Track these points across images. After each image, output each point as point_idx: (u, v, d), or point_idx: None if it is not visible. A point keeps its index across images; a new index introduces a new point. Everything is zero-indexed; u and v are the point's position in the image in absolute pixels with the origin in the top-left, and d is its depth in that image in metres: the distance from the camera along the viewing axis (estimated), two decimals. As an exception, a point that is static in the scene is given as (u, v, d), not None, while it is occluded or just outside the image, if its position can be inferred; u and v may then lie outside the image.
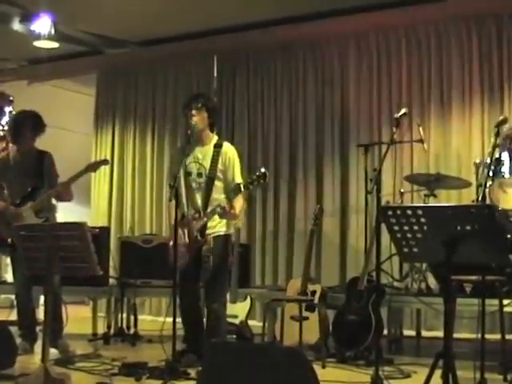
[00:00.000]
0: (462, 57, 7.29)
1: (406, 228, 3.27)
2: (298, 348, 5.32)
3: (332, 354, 5.63)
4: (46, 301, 4.62)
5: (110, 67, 9.36)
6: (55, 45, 8.35)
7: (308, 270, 6.20)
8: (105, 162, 6.23)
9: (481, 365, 4.23)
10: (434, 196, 6.27)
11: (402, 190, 6.51)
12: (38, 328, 5.73)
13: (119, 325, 6.84)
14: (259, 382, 3.33)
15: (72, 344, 5.77)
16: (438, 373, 3.27)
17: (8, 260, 6.43)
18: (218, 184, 5.35)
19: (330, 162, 7.88)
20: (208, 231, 5.28)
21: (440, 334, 6.13)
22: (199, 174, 5.38)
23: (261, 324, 6.12)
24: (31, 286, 5.71)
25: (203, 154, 5.40)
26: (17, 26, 7.67)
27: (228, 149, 5.45)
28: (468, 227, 3.12)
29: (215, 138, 5.48)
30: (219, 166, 5.35)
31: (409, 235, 3.28)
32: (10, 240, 5.50)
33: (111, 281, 7.04)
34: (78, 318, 6.91)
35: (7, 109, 9.33)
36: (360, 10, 7.40)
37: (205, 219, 5.24)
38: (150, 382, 4.72)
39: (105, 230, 7.26)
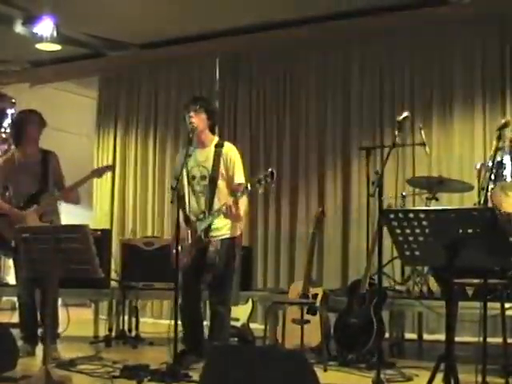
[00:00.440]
0: (464, 60, 7.29)
1: (407, 231, 3.27)
2: (299, 351, 5.32)
3: (333, 357, 5.61)
4: (46, 303, 4.62)
5: (112, 70, 9.37)
6: (57, 47, 8.36)
7: (310, 272, 6.19)
8: (109, 168, 6.24)
9: (483, 368, 4.22)
10: (436, 199, 6.26)
11: (403, 193, 6.50)
12: (40, 330, 5.74)
13: (121, 327, 6.83)
14: (261, 385, 3.34)
15: (73, 346, 5.77)
16: (439, 376, 3.26)
17: (10, 262, 6.43)
18: (221, 184, 5.38)
19: (332, 165, 7.88)
20: (214, 233, 5.30)
21: (442, 337, 6.08)
22: (202, 177, 5.40)
23: (262, 327, 6.12)
24: (34, 288, 5.69)
25: (205, 157, 5.42)
26: (19, 28, 7.68)
27: (229, 149, 5.46)
28: (470, 230, 3.12)
29: (216, 139, 5.50)
30: (221, 166, 5.37)
31: (410, 238, 3.28)
32: (13, 243, 5.50)
33: (113, 283, 7.04)
34: (80, 320, 6.91)
35: (9, 111, 9.36)
36: (362, 13, 7.41)
37: (210, 219, 5.26)
38: (152, 384, 4.72)
39: (107, 233, 7.26)
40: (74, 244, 4.32)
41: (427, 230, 3.22)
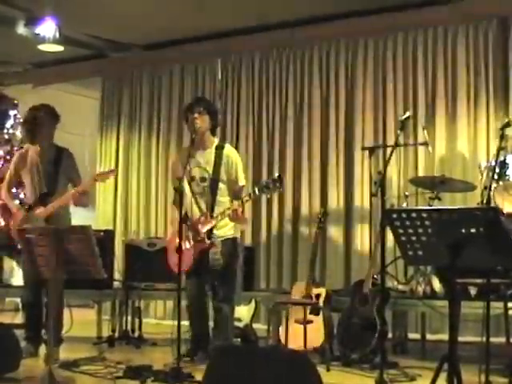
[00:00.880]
0: (467, 59, 7.27)
1: (410, 231, 3.26)
2: (302, 351, 5.32)
3: (336, 357, 5.61)
4: (50, 304, 4.62)
5: (114, 70, 9.37)
6: (60, 48, 8.36)
7: (313, 273, 6.19)
8: (112, 172, 6.22)
9: (486, 368, 4.21)
10: (439, 199, 6.25)
11: (406, 193, 6.50)
12: (43, 331, 5.74)
13: (124, 328, 6.84)
14: (264, 386, 3.34)
15: (76, 347, 5.77)
16: (443, 376, 3.26)
17: (14, 263, 6.44)
18: (223, 186, 5.38)
19: (335, 165, 7.87)
20: (216, 233, 5.30)
21: (445, 337, 6.11)
22: (202, 179, 5.40)
23: (265, 327, 6.12)
24: (40, 289, 5.65)
25: (206, 159, 5.43)
26: (21, 29, 7.67)
27: (230, 151, 5.47)
28: (473, 230, 3.11)
29: (216, 141, 5.51)
30: (222, 168, 5.37)
31: (413, 238, 3.28)
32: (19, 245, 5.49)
33: (116, 284, 7.05)
34: (83, 321, 6.91)
35: (12, 112, 9.36)
36: (366, 13, 7.41)
37: (213, 222, 5.26)
38: (155, 385, 4.73)
39: (109, 233, 7.27)
40: (77, 245, 4.32)
41: (430, 230, 3.22)
